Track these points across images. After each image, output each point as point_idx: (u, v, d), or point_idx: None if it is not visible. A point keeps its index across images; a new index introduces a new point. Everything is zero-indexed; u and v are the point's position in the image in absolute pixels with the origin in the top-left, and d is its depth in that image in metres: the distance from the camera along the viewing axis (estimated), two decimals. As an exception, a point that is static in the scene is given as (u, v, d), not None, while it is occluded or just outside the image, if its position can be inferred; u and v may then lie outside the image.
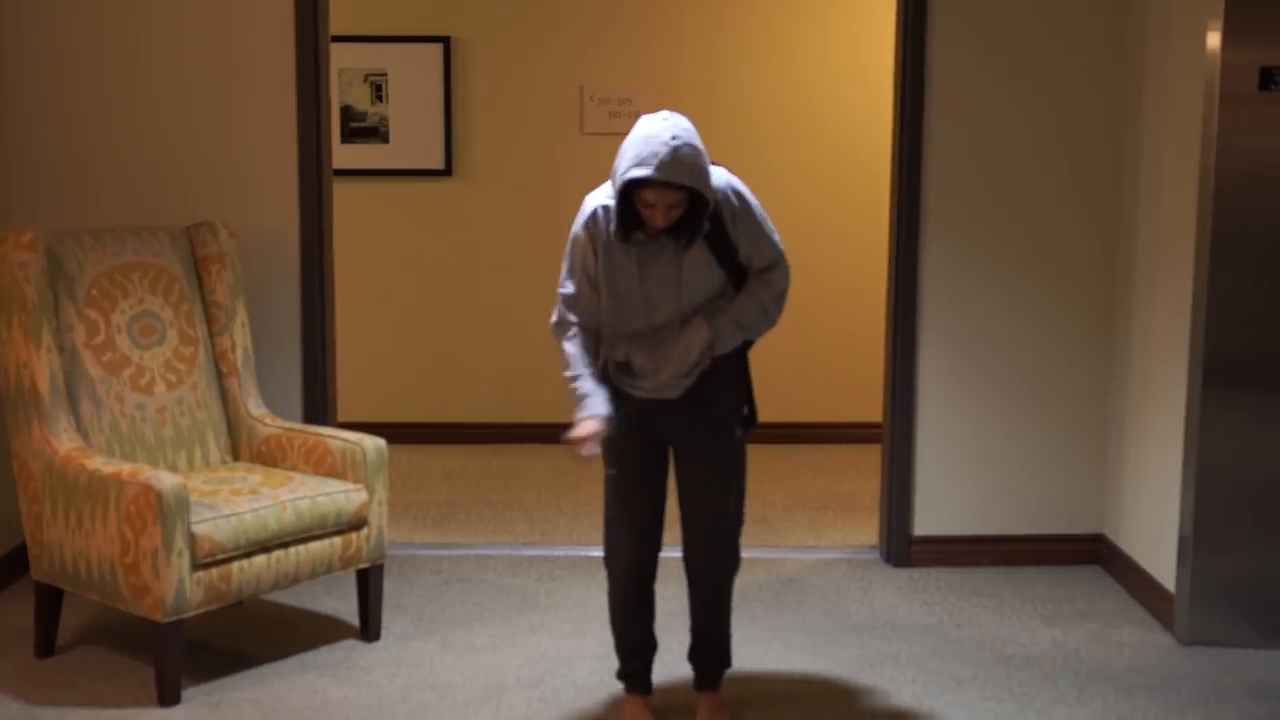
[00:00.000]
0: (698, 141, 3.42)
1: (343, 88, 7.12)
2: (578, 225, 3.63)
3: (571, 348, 3.66)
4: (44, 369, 4.15)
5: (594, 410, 3.57)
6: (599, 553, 3.90)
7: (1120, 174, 5.10)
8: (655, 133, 3.38)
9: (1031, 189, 5.12)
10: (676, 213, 3.44)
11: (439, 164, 7.21)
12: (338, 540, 4.31)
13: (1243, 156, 4.28)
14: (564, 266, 3.68)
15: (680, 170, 3.35)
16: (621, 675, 3.89)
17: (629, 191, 3.43)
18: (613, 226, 3.51)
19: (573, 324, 3.67)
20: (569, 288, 3.68)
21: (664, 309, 3.61)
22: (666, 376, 3.65)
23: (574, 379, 3.63)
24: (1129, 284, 5.05)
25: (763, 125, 7.21)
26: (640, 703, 3.85)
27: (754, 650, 4.38)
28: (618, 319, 3.64)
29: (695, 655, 3.89)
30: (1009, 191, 5.12)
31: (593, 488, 4.26)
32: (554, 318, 3.72)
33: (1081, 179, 5.12)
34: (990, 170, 5.10)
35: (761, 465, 6.80)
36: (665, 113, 3.47)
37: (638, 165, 3.35)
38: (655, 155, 3.34)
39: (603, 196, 3.59)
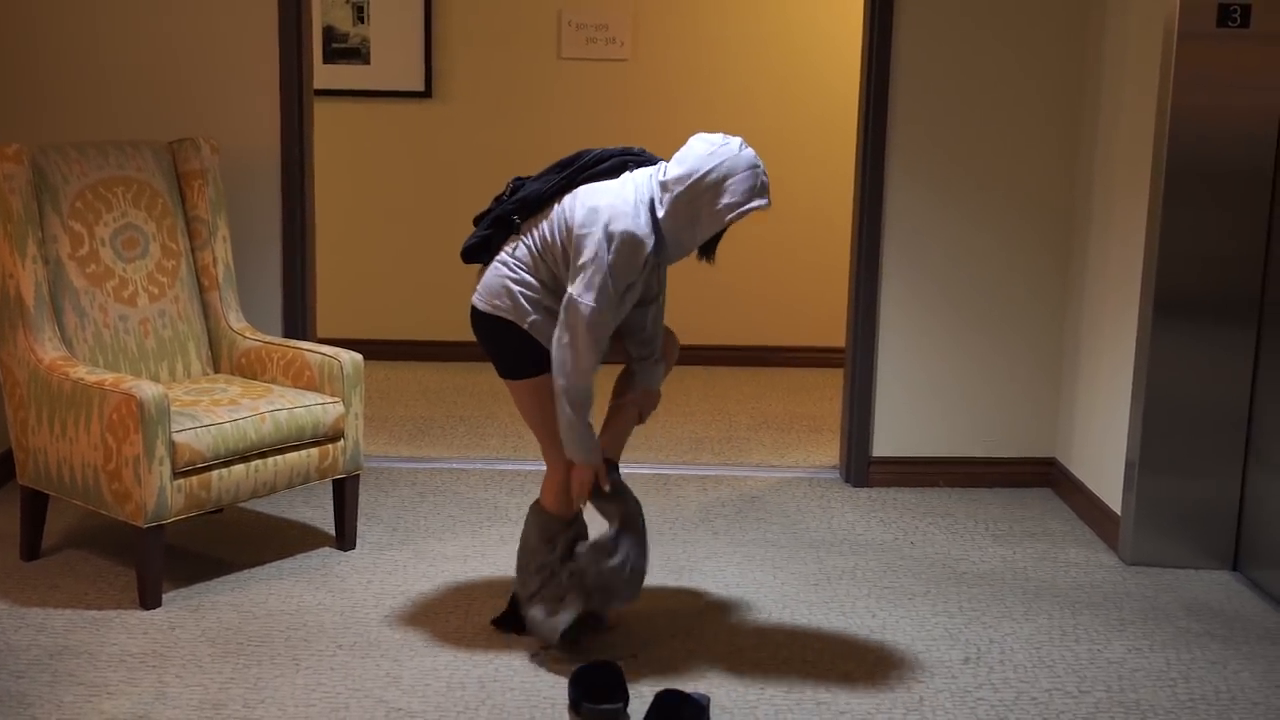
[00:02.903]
0: None
1: (325, 8, 7.15)
2: (630, 255, 3.53)
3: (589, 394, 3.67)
4: (29, 279, 4.24)
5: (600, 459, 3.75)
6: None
7: (1081, 107, 5.20)
8: (751, 160, 3.52)
9: (995, 120, 5.21)
10: None
11: (419, 86, 7.26)
12: (315, 451, 4.41)
13: (1199, 93, 4.37)
14: (605, 297, 3.53)
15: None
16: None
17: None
18: (704, 255, 3.70)
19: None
20: (607, 318, 3.57)
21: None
22: None
23: (587, 424, 3.68)
24: (1087, 216, 5.17)
25: (737, 51, 7.27)
26: None
27: (715, 563, 4.52)
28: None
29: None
30: (973, 123, 5.21)
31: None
32: (590, 361, 3.58)
33: (1043, 112, 5.22)
34: (955, 101, 5.19)
35: (728, 387, 6.98)
36: (732, 137, 3.58)
37: (759, 196, 3.51)
38: (765, 185, 3.52)
39: (639, 220, 3.55)
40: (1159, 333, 4.50)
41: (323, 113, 6.56)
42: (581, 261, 3.54)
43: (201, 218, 4.76)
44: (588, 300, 3.52)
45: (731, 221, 3.52)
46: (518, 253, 3.70)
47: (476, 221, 3.83)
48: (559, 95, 7.23)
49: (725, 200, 3.49)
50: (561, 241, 3.63)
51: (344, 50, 7.24)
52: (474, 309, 3.76)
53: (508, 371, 3.78)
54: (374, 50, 7.23)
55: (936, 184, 5.24)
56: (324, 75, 7.04)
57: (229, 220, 4.90)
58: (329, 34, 7.20)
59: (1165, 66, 4.41)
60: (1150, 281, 4.50)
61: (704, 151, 3.53)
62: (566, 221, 3.62)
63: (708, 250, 3.68)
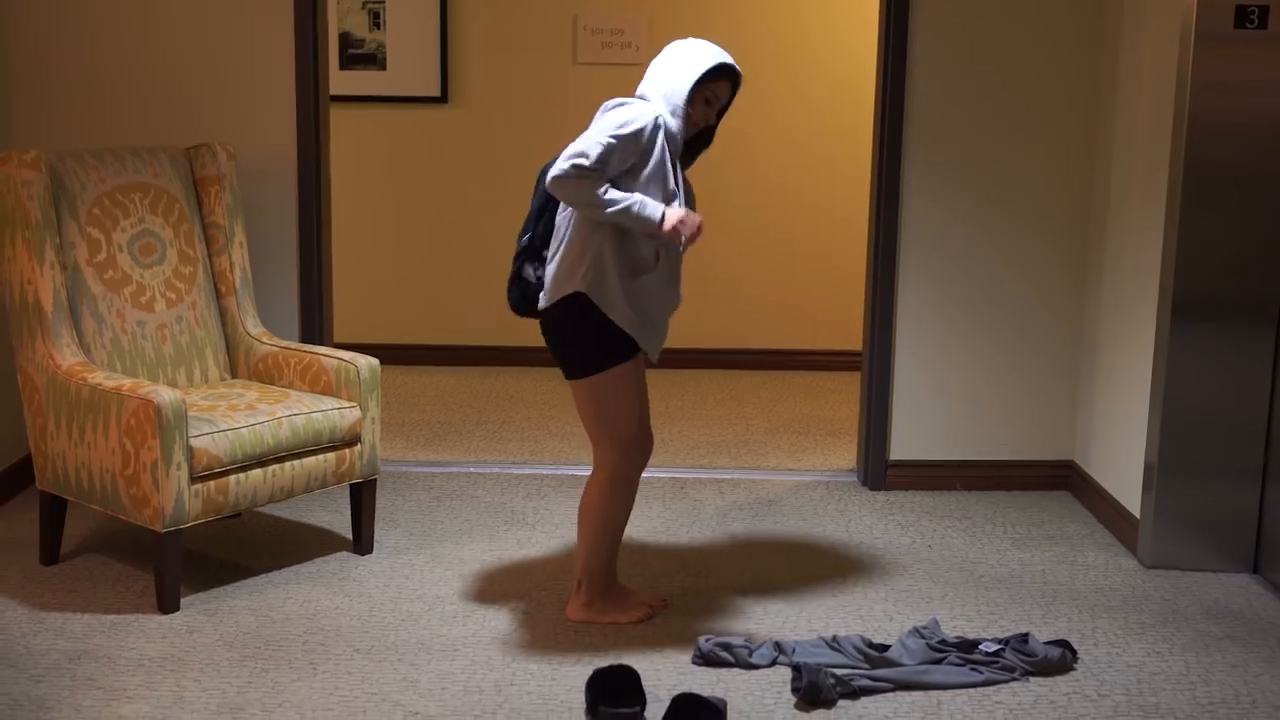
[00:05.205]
0: None
1: (341, 14, 7.18)
2: (645, 122, 3.70)
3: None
4: (47, 285, 4.25)
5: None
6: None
7: (1097, 109, 5.18)
8: (704, 42, 3.82)
9: (1011, 124, 5.20)
10: (713, 115, 3.86)
11: (435, 91, 7.27)
12: (331, 456, 4.42)
13: (1216, 95, 4.35)
14: (603, 147, 3.66)
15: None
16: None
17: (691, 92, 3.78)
18: (679, 131, 3.81)
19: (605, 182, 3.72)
20: (600, 168, 3.66)
21: None
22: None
23: (633, 201, 3.72)
24: (1103, 219, 5.15)
25: (752, 55, 7.24)
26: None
27: (733, 567, 4.51)
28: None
29: None
30: (989, 127, 5.19)
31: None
32: (578, 166, 3.65)
33: (1060, 114, 5.20)
34: (971, 105, 5.18)
35: (745, 390, 6.97)
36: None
37: (718, 57, 3.77)
38: (720, 54, 3.76)
39: (654, 108, 3.77)
40: (1177, 335, 4.48)
41: (339, 118, 6.57)
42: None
43: (218, 223, 4.77)
44: (567, 154, 3.69)
45: (708, 77, 3.77)
46: (555, 250, 3.89)
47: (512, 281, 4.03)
48: (575, 100, 7.19)
49: (697, 65, 3.78)
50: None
51: (360, 56, 7.26)
52: (543, 311, 3.92)
53: (574, 371, 3.92)
54: (390, 56, 7.25)
55: (952, 186, 5.22)
56: (340, 81, 7.06)
57: (246, 226, 4.91)
58: (345, 40, 7.22)
59: (1182, 68, 4.39)
60: (1168, 284, 4.48)
61: (656, 59, 3.86)
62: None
63: (696, 150, 3.94)
